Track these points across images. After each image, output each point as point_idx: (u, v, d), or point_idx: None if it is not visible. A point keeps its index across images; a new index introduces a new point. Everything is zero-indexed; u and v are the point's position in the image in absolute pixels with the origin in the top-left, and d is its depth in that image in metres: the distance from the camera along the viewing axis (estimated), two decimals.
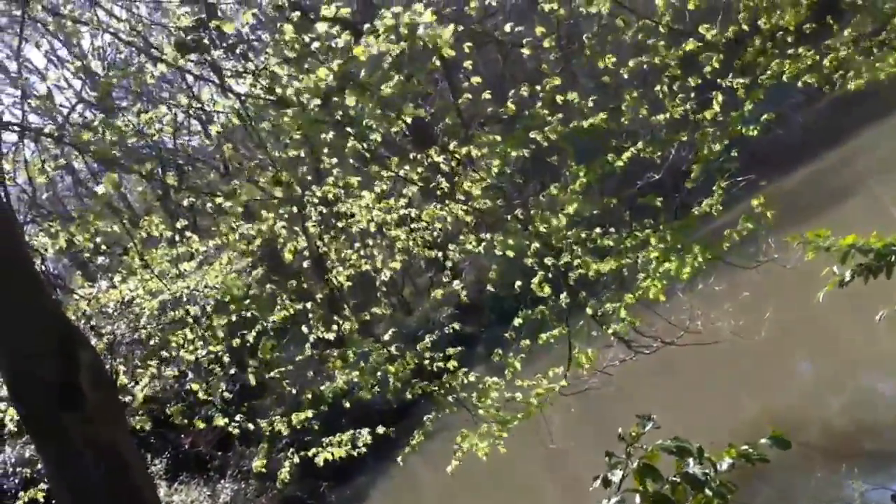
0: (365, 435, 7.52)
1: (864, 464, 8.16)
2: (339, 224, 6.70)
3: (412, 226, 6.75)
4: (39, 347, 3.72)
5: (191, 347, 6.84)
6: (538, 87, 6.05)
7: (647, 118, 6.60)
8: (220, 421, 7.11)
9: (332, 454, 7.46)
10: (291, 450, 7.81)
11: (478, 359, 17.83)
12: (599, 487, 4.07)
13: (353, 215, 6.56)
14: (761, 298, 10.84)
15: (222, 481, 17.82)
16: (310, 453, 7.61)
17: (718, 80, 6.51)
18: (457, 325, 8.21)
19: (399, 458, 7.66)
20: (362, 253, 6.94)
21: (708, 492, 3.92)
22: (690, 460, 4.03)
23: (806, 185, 21.24)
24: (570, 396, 8.75)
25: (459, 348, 7.69)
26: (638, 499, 3.98)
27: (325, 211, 6.48)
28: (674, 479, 3.95)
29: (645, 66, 6.41)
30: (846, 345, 11.38)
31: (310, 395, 7.46)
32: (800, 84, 6.74)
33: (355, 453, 7.59)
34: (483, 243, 6.83)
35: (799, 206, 18.96)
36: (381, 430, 7.64)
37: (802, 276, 5.22)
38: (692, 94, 6.46)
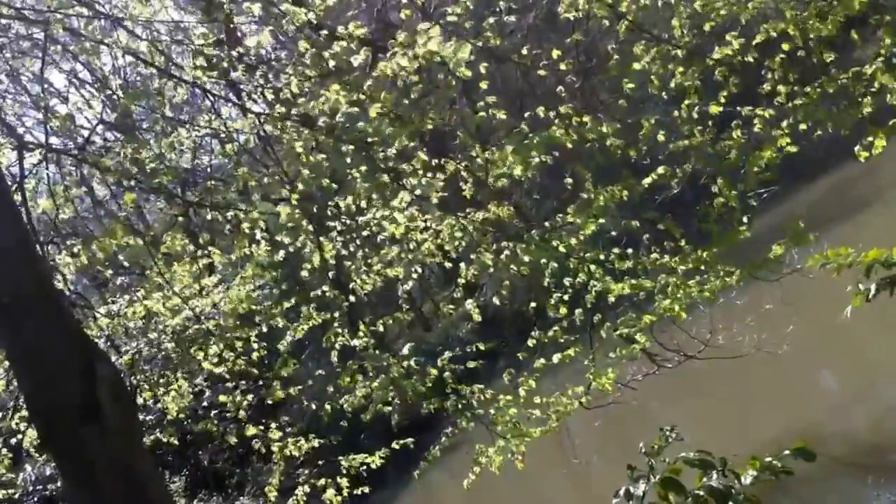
0: (376, 458, 7.55)
1: (891, 476, 8.07)
2: (362, 234, 6.74)
3: (431, 234, 6.75)
4: (59, 364, 3.75)
5: (216, 360, 6.87)
6: (553, 111, 6.05)
7: (665, 143, 6.55)
8: (251, 430, 7.18)
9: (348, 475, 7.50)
10: (302, 479, 7.84)
11: (499, 374, 17.74)
12: (622, 501, 4.05)
13: (377, 224, 6.60)
14: (784, 311, 10.75)
15: (241, 499, 17.82)
16: (320, 483, 7.62)
17: (738, 108, 6.43)
18: (481, 345, 8.18)
19: (416, 473, 7.64)
20: (381, 265, 6.95)
21: None
22: (714, 473, 4.00)
23: (828, 195, 21.10)
24: (593, 411, 8.72)
25: (479, 362, 7.67)
26: None
27: (348, 222, 6.51)
28: (697, 492, 3.92)
29: (664, 94, 6.37)
30: (870, 357, 11.26)
31: (329, 409, 7.46)
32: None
33: (374, 466, 7.60)
34: (499, 259, 6.82)
35: (822, 216, 18.84)
36: (395, 445, 7.66)
37: (825, 288, 5.19)
38: (710, 122, 6.39)
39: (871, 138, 6.17)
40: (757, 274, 7.47)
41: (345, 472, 7.72)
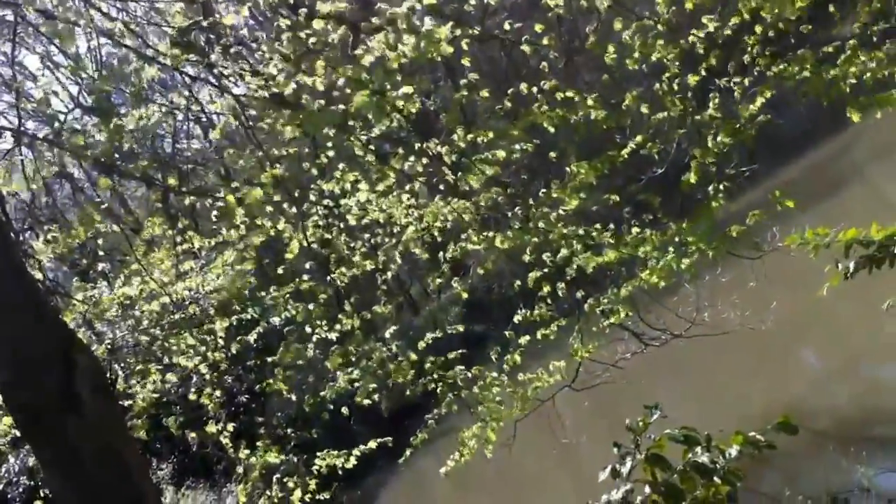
0: (351, 457, 7.47)
1: (873, 449, 8.14)
2: (344, 220, 6.66)
3: (415, 219, 6.69)
4: (37, 353, 3.70)
5: (190, 353, 6.77)
6: (536, 87, 6.02)
7: (649, 115, 6.55)
8: (213, 428, 7.04)
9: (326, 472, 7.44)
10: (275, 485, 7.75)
11: (487, 359, 17.77)
12: (608, 478, 4.06)
13: (361, 210, 6.52)
14: (767, 288, 10.81)
15: (228, 485, 17.81)
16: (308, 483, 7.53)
17: (717, 80, 6.44)
18: (460, 327, 8.12)
19: (401, 460, 7.61)
20: (366, 249, 6.88)
21: (717, 479, 3.91)
22: (698, 449, 4.02)
23: (807, 172, 21.23)
24: (582, 392, 8.75)
25: (461, 351, 7.62)
26: (647, 489, 3.97)
27: (330, 205, 6.44)
28: (682, 467, 3.94)
29: (644, 68, 6.36)
30: (853, 332, 11.35)
31: (311, 401, 7.41)
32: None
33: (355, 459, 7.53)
34: (484, 240, 6.79)
35: (802, 194, 18.92)
36: (373, 444, 7.58)
37: (807, 265, 5.21)
38: (689, 93, 6.39)
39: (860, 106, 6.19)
40: (739, 252, 7.49)
41: (319, 471, 7.57)
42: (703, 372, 12.59)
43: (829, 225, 5.02)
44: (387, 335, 7.22)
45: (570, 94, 5.87)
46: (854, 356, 10.95)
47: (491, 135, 5.84)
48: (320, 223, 6.49)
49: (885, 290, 5.03)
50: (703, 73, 6.20)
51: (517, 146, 5.90)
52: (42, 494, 6.72)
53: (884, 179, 18.08)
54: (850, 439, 8.63)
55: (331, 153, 5.85)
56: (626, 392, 10.79)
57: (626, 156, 6.61)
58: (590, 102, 5.90)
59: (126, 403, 6.81)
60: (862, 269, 4.69)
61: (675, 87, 6.24)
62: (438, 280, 8.16)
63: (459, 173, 6.08)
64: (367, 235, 6.99)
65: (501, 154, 5.90)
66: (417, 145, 5.85)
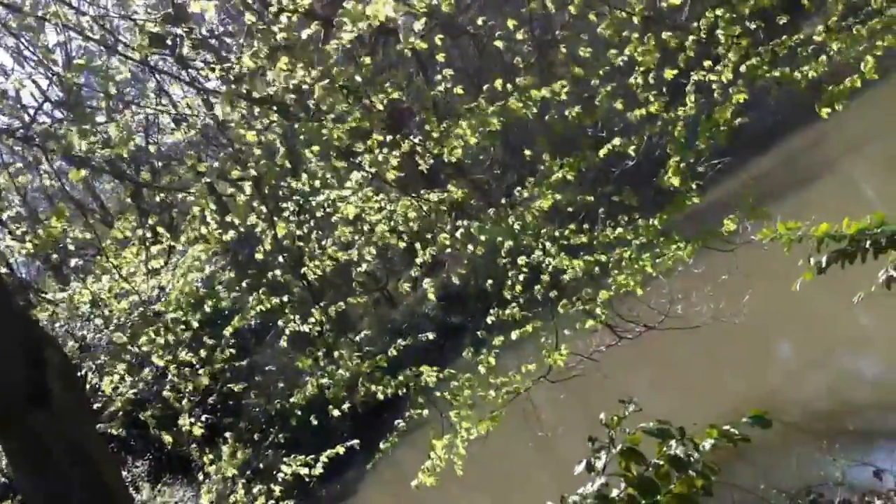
0: (319, 461, 7.38)
1: (846, 441, 8.24)
2: (315, 215, 6.61)
3: (385, 216, 6.65)
4: (5, 350, 3.65)
5: (159, 352, 6.68)
6: (510, 84, 6.00)
7: (623, 111, 6.55)
8: (184, 421, 6.95)
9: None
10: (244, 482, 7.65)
11: (465, 349, 17.78)
12: (584, 473, 4.07)
13: (330, 205, 6.47)
14: (740, 280, 10.91)
15: (206, 481, 17.69)
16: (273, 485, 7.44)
17: (692, 74, 6.45)
18: (430, 335, 8.05)
19: (369, 465, 7.52)
20: (337, 245, 6.83)
21: (691, 473, 3.93)
22: (673, 442, 4.03)
23: (780, 165, 21.40)
24: (558, 384, 8.76)
25: (435, 338, 7.54)
26: (622, 483, 3.98)
27: (301, 202, 6.38)
28: (657, 461, 3.95)
29: (620, 62, 6.35)
30: (826, 325, 11.47)
31: (280, 406, 7.35)
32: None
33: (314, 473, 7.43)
34: (457, 236, 6.77)
35: (774, 187, 19.09)
36: (340, 449, 7.50)
37: (780, 258, 5.25)
38: (664, 88, 6.40)
39: (831, 97, 6.23)
40: (712, 245, 7.54)
41: (285, 476, 7.46)
42: (678, 364, 12.68)
43: (801, 217, 5.06)
44: (357, 338, 7.13)
45: (544, 92, 5.86)
46: (827, 349, 11.06)
47: (466, 129, 5.81)
48: (292, 219, 6.44)
49: (858, 282, 5.07)
50: (680, 66, 6.19)
51: (487, 130, 5.86)
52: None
53: (855, 173, 18.27)
54: (824, 432, 8.73)
55: (302, 147, 5.80)
56: (602, 384, 10.84)
57: (601, 157, 6.62)
58: (563, 97, 5.90)
59: (100, 402, 6.72)
60: (834, 263, 4.74)
61: (650, 82, 6.23)
62: (414, 274, 8.10)
63: (432, 164, 6.06)
64: (336, 233, 6.92)
65: (472, 140, 5.87)
66: (389, 138, 5.82)
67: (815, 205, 14.85)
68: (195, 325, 6.58)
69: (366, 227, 6.73)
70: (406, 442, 8.77)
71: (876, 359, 10.60)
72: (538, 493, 11.95)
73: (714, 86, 6.34)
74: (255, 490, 7.29)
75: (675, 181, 6.55)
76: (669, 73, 6.27)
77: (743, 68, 6.17)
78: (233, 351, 7.05)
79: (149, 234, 6.06)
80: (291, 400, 7.11)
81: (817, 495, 4.63)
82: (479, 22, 5.91)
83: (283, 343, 6.82)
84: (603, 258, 7.26)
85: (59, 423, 3.61)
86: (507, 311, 7.55)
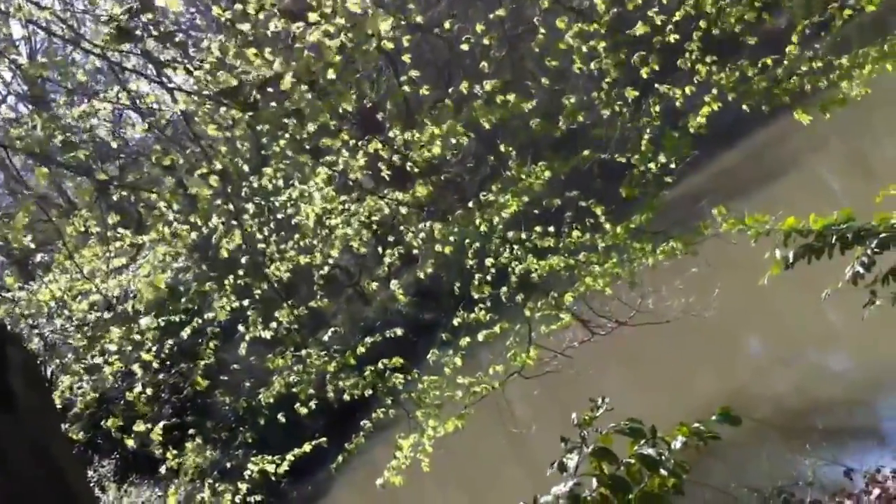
0: (286, 460, 7.28)
1: (816, 439, 8.30)
2: (277, 217, 6.53)
3: (352, 214, 6.57)
4: None
5: (114, 358, 6.53)
6: (478, 86, 5.98)
7: (586, 121, 6.56)
8: (141, 427, 6.80)
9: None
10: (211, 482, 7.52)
11: (439, 345, 17.75)
12: (556, 473, 4.05)
13: (293, 205, 6.40)
14: (709, 274, 10.97)
15: (175, 481, 17.49)
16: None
17: (657, 86, 6.52)
18: (399, 331, 7.97)
19: (333, 466, 7.43)
20: (302, 245, 6.73)
21: (663, 471, 3.93)
22: (644, 441, 4.03)
23: (746, 160, 21.57)
24: (532, 380, 8.74)
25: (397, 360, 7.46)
26: (595, 482, 3.97)
27: (263, 203, 6.30)
28: (629, 460, 3.94)
29: (584, 69, 6.36)
30: (795, 320, 11.57)
31: (246, 405, 7.25)
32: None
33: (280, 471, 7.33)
34: (422, 236, 6.73)
35: (740, 181, 19.27)
36: (307, 448, 7.40)
37: (748, 251, 5.28)
38: (629, 101, 6.41)
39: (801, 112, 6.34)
40: (682, 240, 7.55)
41: (252, 475, 7.34)
42: (649, 359, 12.72)
43: (768, 210, 5.08)
44: (325, 337, 7.04)
45: (510, 98, 5.85)
46: (796, 345, 11.16)
47: (434, 130, 5.78)
48: (253, 221, 6.35)
49: (828, 276, 5.10)
50: (645, 75, 6.22)
51: (456, 140, 5.84)
52: None
53: (821, 168, 18.47)
54: (794, 429, 8.80)
55: (269, 150, 5.73)
56: (576, 379, 10.85)
57: (569, 167, 6.63)
58: (528, 106, 5.91)
59: (61, 402, 6.57)
60: (801, 258, 4.77)
61: (614, 96, 6.27)
62: (383, 273, 8.03)
63: (398, 165, 6.02)
64: (297, 236, 6.82)
65: (437, 150, 5.86)
66: (354, 141, 5.77)
67: (781, 200, 14.97)
68: (159, 324, 6.45)
69: (325, 232, 6.65)
70: (380, 440, 8.70)
71: (844, 355, 10.72)
72: (513, 491, 11.96)
73: (678, 96, 6.40)
74: (220, 489, 7.16)
75: (636, 192, 6.59)
76: (631, 93, 6.30)
77: (715, 79, 6.23)
78: (205, 348, 6.93)
79: (110, 233, 5.94)
80: (259, 398, 7.00)
81: (788, 495, 4.65)
82: (447, 25, 5.88)
83: (243, 350, 6.69)
84: (571, 262, 7.26)
85: (21, 425, 3.51)
86: (474, 314, 7.51)
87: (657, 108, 6.39)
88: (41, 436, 3.71)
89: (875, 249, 4.56)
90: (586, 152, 6.56)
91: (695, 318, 10.14)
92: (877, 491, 3.24)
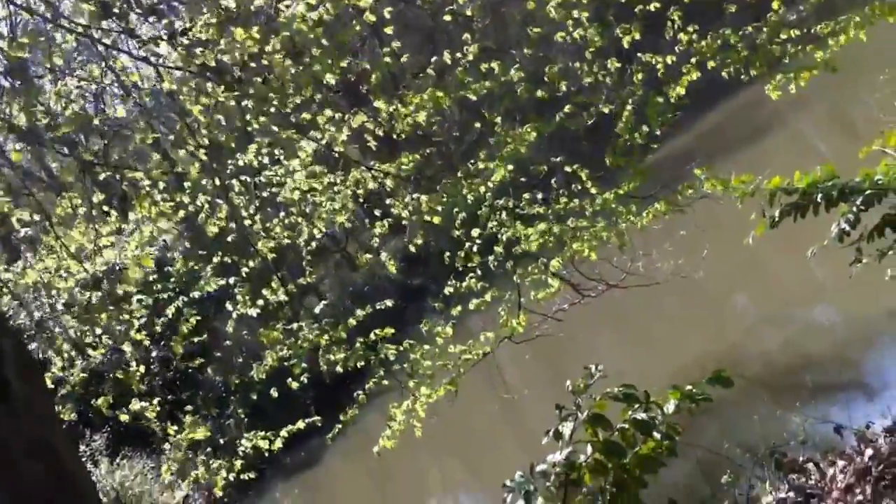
0: (279, 436, 7.28)
1: (806, 396, 8.41)
2: (262, 194, 6.49)
3: (337, 189, 6.54)
4: None
5: (104, 338, 6.49)
6: (460, 55, 5.94)
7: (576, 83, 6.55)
8: (136, 406, 6.80)
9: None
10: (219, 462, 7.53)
11: (427, 311, 17.85)
12: (551, 441, 4.09)
13: (279, 183, 6.36)
14: (698, 236, 11.02)
15: (168, 452, 17.55)
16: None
17: (639, 55, 6.52)
18: (389, 302, 7.96)
19: (329, 437, 7.45)
20: (287, 222, 6.69)
21: (656, 435, 3.98)
22: (637, 406, 4.08)
23: (729, 119, 21.57)
24: (523, 344, 8.77)
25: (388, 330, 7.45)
26: (589, 448, 4.02)
27: (248, 180, 6.25)
28: (623, 425, 3.99)
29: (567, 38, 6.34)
30: (783, 278, 11.65)
31: (238, 381, 7.24)
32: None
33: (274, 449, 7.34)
34: (409, 208, 6.71)
35: (725, 140, 19.29)
36: (301, 425, 7.41)
37: (736, 211, 5.30)
38: (612, 69, 6.40)
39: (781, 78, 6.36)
40: (669, 202, 7.56)
41: (245, 450, 7.34)
42: (639, 321, 12.82)
43: (753, 169, 5.09)
44: (317, 310, 7.03)
45: (494, 65, 5.82)
46: (785, 302, 11.24)
47: (416, 99, 5.75)
48: (241, 196, 6.31)
49: (816, 234, 5.12)
50: (626, 45, 6.22)
51: (441, 107, 5.82)
52: None
53: (804, 126, 18.48)
54: (784, 387, 8.89)
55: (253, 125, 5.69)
56: (567, 342, 10.91)
57: (553, 126, 6.61)
58: (512, 73, 5.89)
59: (52, 382, 6.55)
60: (787, 216, 4.79)
61: (597, 66, 6.26)
62: (373, 243, 8.01)
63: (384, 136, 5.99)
64: (282, 214, 6.77)
65: (421, 117, 5.83)
66: (339, 113, 5.73)
67: (765, 160, 14.97)
68: (148, 303, 6.42)
69: (310, 207, 6.62)
70: (371, 408, 8.74)
71: (831, 312, 10.81)
72: (506, 456, 12.09)
73: (659, 66, 6.41)
74: (215, 465, 7.17)
75: (621, 161, 6.60)
76: (614, 63, 6.29)
77: (696, 47, 6.23)
78: (193, 323, 6.90)
79: (96, 212, 5.89)
80: (251, 373, 7.01)
81: (780, 455, 4.72)
82: None
83: (230, 328, 6.67)
84: (559, 227, 7.27)
85: (18, 418, 3.50)
86: (465, 283, 7.52)
87: (639, 77, 6.39)
88: (37, 425, 3.70)
89: (860, 207, 4.59)
90: (568, 108, 6.51)
91: (684, 279, 10.17)
92: (869, 451, 3.30)
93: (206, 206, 6.05)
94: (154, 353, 6.71)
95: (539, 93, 6.05)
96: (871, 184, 4.60)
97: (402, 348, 7.02)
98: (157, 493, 16.63)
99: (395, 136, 6.02)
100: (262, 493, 18.02)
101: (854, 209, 4.58)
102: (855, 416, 5.78)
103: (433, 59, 5.66)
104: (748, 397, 8.62)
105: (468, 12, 5.76)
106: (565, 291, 9.29)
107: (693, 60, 6.28)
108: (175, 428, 7.09)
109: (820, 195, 4.68)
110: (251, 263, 6.64)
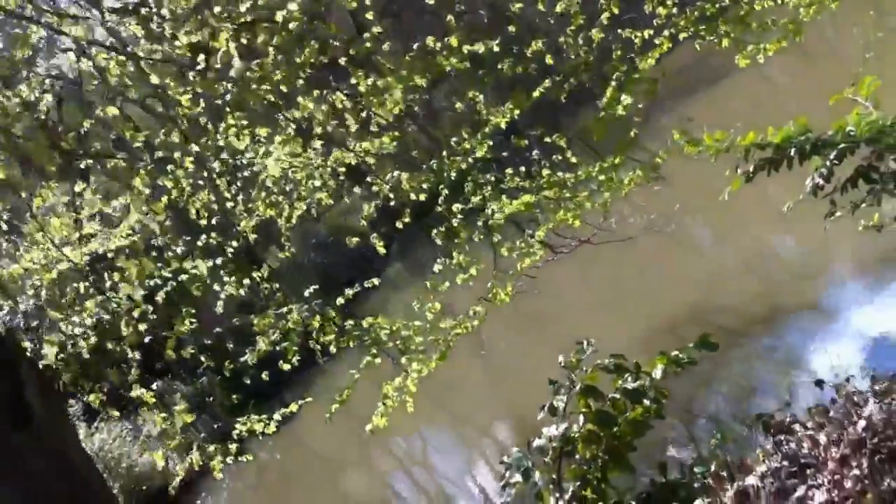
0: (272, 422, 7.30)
1: (784, 349, 8.53)
2: (241, 175, 6.46)
3: (317, 167, 6.53)
4: None
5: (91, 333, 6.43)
6: (440, 43, 5.93)
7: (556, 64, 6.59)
8: (136, 392, 6.77)
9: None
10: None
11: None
12: (546, 416, 4.21)
13: (259, 163, 6.33)
14: (670, 189, 11.09)
15: (147, 414, 17.41)
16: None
17: (619, 31, 6.62)
18: (376, 281, 7.91)
19: (327, 415, 7.49)
20: (269, 200, 6.66)
21: (646, 402, 4.13)
22: (627, 376, 4.21)
23: (691, 60, 21.54)
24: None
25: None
26: (581, 419, 4.15)
27: (230, 160, 6.20)
28: (614, 395, 4.13)
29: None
30: (755, 229, 11.73)
31: (231, 366, 7.22)
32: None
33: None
34: (389, 184, 6.73)
35: (689, 82, 19.27)
36: (294, 407, 7.44)
37: (706, 165, 5.36)
38: (593, 44, 6.43)
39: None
40: (644, 169, 7.62)
41: (240, 434, 7.35)
42: (613, 276, 12.85)
43: (719, 108, 5.14)
44: (306, 294, 7.01)
45: (476, 46, 5.83)
46: (757, 253, 11.35)
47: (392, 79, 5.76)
48: (222, 177, 6.27)
49: (789, 179, 5.21)
50: (605, 22, 6.25)
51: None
52: None
53: (768, 67, 18.47)
54: (760, 335, 9.01)
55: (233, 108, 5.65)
56: (541, 301, 10.97)
57: (534, 98, 6.64)
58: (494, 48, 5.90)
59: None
60: (761, 171, 4.87)
61: (581, 41, 6.30)
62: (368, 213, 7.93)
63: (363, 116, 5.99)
64: (263, 194, 6.74)
65: (398, 95, 5.83)
66: (317, 92, 5.71)
67: (733, 96, 14.99)
68: (137, 295, 6.36)
69: (290, 186, 6.61)
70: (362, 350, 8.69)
71: (806, 262, 10.91)
72: (488, 409, 12.23)
73: (636, 39, 6.46)
74: (210, 449, 7.19)
75: (603, 132, 6.65)
76: (597, 35, 6.32)
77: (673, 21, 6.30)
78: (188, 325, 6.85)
79: (79, 201, 5.84)
80: (242, 359, 7.01)
81: (768, 417, 4.85)
82: None
83: (220, 308, 6.66)
84: (542, 197, 7.31)
85: (41, 440, 3.53)
86: (454, 259, 7.55)
87: (619, 53, 6.44)
88: (60, 446, 3.74)
89: (834, 161, 4.67)
90: (547, 82, 6.56)
91: (658, 233, 10.28)
92: (862, 423, 3.41)
93: (188, 188, 6.01)
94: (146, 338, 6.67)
95: (519, 69, 6.08)
96: (843, 136, 4.68)
97: (394, 328, 7.06)
98: (135, 454, 16.73)
99: (372, 115, 6.01)
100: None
101: (828, 163, 4.66)
102: (835, 367, 5.93)
103: (415, 44, 5.65)
104: (724, 346, 8.74)
105: None
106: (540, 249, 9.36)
107: (666, 33, 6.33)
108: (164, 416, 7.09)
109: (793, 149, 4.76)
110: (234, 244, 6.62)
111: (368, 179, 6.66)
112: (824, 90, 4.90)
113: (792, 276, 10.63)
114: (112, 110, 5.68)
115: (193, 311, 6.53)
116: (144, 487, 16.16)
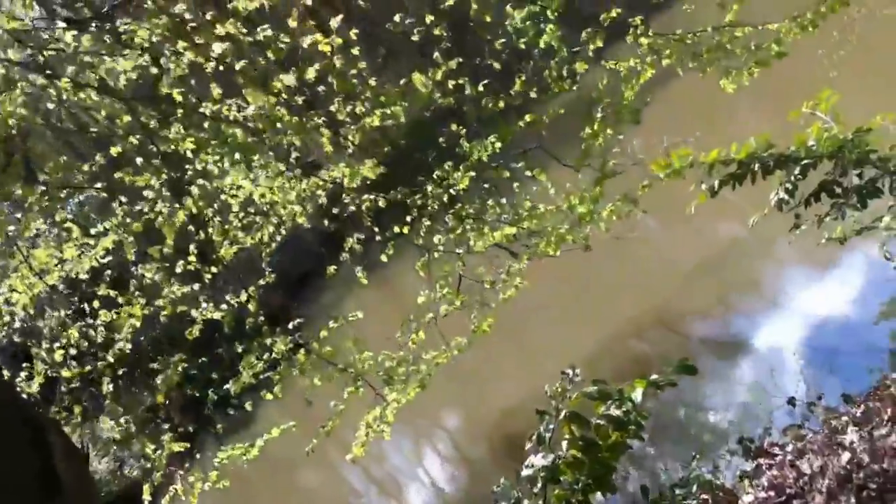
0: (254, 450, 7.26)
1: (745, 348, 8.67)
2: (220, 198, 6.44)
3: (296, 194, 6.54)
4: (17, 452, 3.39)
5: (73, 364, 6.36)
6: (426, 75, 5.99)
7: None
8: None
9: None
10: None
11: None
12: (534, 445, 4.29)
13: (237, 188, 6.32)
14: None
15: (101, 417, 17.25)
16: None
17: (603, 62, 6.74)
18: (360, 314, 7.96)
19: (325, 429, 7.46)
20: (245, 222, 6.63)
21: (629, 427, 4.24)
22: (610, 402, 4.32)
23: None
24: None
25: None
26: (565, 445, 4.25)
27: (207, 185, 6.17)
28: (598, 421, 4.24)
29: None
30: (718, 237, 11.90)
31: (215, 395, 7.20)
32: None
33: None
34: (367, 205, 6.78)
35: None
36: (275, 432, 7.39)
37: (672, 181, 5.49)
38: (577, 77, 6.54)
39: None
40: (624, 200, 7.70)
41: (221, 463, 7.31)
42: (577, 284, 12.95)
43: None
44: (290, 326, 6.98)
45: (461, 81, 5.89)
46: (720, 261, 11.55)
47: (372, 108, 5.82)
48: (198, 203, 6.23)
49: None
50: (591, 53, 6.35)
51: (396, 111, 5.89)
52: None
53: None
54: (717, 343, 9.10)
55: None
56: (507, 307, 11.01)
57: (517, 129, 6.73)
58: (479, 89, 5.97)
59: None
60: (726, 185, 5.02)
61: (565, 73, 6.39)
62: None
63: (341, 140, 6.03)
64: (241, 215, 6.71)
65: (376, 120, 5.89)
66: (297, 117, 5.73)
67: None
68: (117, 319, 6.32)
69: (267, 208, 6.61)
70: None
71: (768, 269, 11.10)
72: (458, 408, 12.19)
73: (622, 68, 6.57)
74: (192, 478, 7.13)
75: (582, 161, 6.77)
76: (582, 66, 6.41)
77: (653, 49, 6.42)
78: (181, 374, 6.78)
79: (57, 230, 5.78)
80: (226, 387, 6.97)
81: (748, 441, 4.98)
82: (397, 19, 5.87)
83: (195, 333, 6.61)
84: (524, 226, 7.40)
85: None
86: (445, 305, 7.61)
87: (604, 82, 6.55)
88: None
89: (798, 176, 4.83)
90: (528, 117, 6.66)
91: (620, 241, 10.38)
92: (846, 455, 3.51)
93: (165, 212, 5.98)
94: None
95: (501, 104, 6.18)
96: (806, 151, 4.84)
97: (380, 359, 7.09)
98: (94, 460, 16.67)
99: (349, 142, 6.04)
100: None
101: (792, 178, 4.81)
102: (806, 383, 6.01)
103: (402, 81, 5.70)
104: (683, 351, 8.81)
105: (436, 32, 5.79)
106: (503, 256, 9.44)
107: (649, 59, 6.46)
108: (153, 447, 7.04)
109: (757, 164, 4.92)
110: (214, 270, 6.60)
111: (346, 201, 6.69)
112: (786, 108, 5.03)
113: (753, 281, 10.78)
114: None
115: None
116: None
